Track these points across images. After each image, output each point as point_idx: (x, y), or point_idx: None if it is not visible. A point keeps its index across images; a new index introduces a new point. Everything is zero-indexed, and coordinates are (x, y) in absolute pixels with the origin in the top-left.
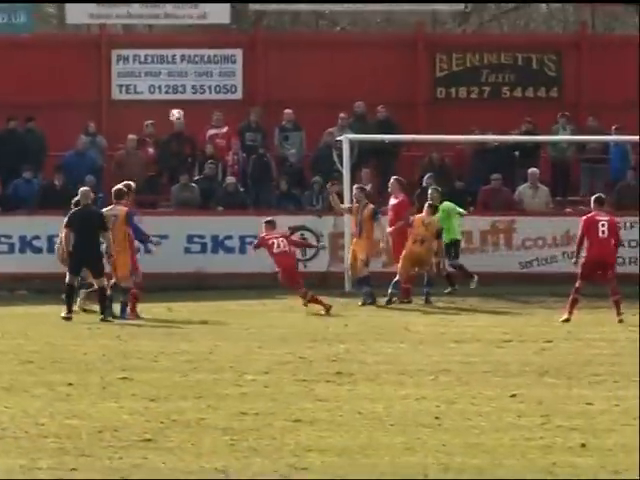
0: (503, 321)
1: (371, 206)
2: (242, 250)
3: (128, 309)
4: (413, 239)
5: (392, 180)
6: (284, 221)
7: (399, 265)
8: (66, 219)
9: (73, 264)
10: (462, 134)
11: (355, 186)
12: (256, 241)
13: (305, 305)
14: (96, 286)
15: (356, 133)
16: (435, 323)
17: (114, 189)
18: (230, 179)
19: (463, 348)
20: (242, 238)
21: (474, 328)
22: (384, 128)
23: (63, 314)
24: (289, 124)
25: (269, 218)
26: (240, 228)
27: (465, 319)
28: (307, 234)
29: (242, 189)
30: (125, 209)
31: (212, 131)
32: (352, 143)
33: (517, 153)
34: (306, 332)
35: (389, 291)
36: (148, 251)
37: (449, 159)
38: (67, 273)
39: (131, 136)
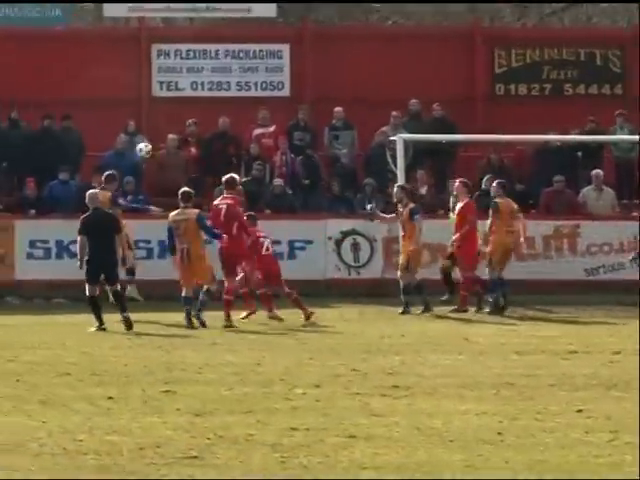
0: (568, 331)
1: (411, 205)
2: (291, 256)
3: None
4: (505, 230)
5: (457, 183)
6: (335, 225)
7: (493, 263)
8: (79, 226)
9: (91, 273)
10: (522, 133)
11: (396, 185)
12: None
13: (271, 317)
14: (112, 295)
15: (411, 132)
16: (496, 333)
17: (181, 191)
18: (278, 181)
19: (526, 360)
20: (291, 243)
21: (537, 338)
22: (440, 127)
23: (93, 329)
24: (339, 123)
25: (250, 212)
26: (288, 233)
27: (528, 329)
28: (359, 239)
29: (290, 192)
30: (195, 211)
31: (258, 130)
32: (406, 143)
33: (580, 154)
34: (359, 343)
35: (489, 299)
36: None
37: (508, 160)
38: (86, 285)
39: (172, 135)
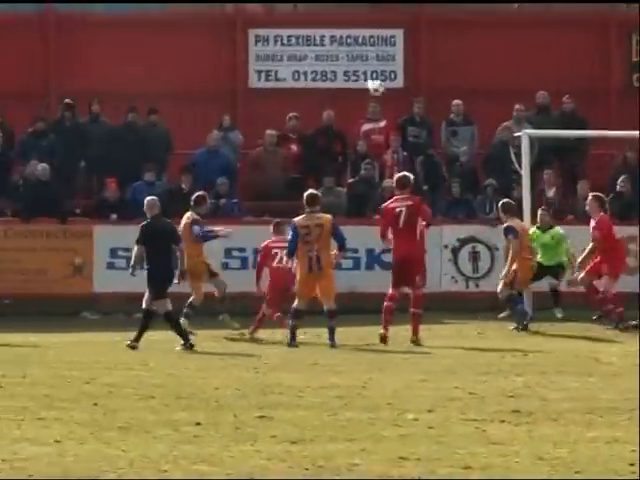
0: None
1: (507, 223)
2: (370, 264)
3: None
4: (526, 252)
5: (589, 198)
6: (451, 232)
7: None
8: (139, 234)
9: (158, 286)
10: None
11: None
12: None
13: (251, 334)
14: (160, 311)
15: (537, 128)
16: (630, 353)
17: (307, 194)
18: (388, 182)
19: None
20: (370, 251)
21: None
22: (570, 122)
23: (129, 342)
24: (458, 117)
25: (278, 220)
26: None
27: None
28: (479, 247)
29: None
30: (329, 217)
31: (367, 125)
32: (532, 140)
33: None
34: (477, 363)
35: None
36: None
37: None
38: (146, 297)
39: (270, 131)
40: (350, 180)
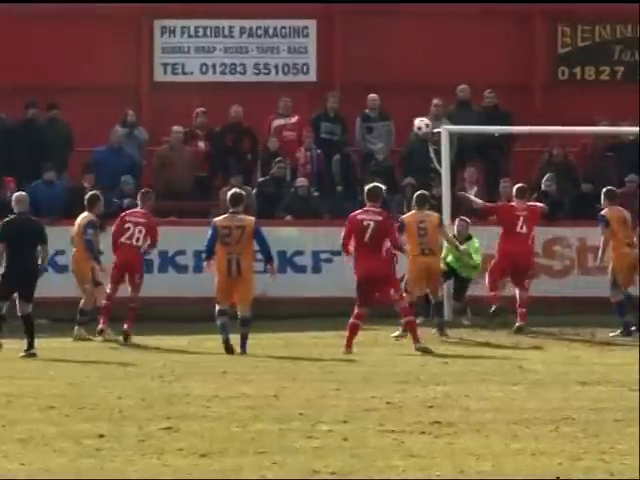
0: (634, 358)
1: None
2: (315, 269)
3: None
4: (623, 243)
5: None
6: None
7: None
8: None
9: (4, 286)
10: (589, 125)
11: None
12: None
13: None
14: (20, 313)
15: (458, 123)
16: (556, 361)
17: (231, 193)
18: (301, 181)
19: (591, 391)
20: (315, 254)
21: (605, 367)
22: (492, 118)
23: (24, 353)
24: (373, 113)
25: (146, 189)
26: (313, 242)
27: (593, 355)
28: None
29: (316, 193)
30: (253, 219)
31: (278, 121)
32: (452, 136)
33: None
34: (395, 371)
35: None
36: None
37: (573, 156)
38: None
39: (177, 128)
40: (260, 179)
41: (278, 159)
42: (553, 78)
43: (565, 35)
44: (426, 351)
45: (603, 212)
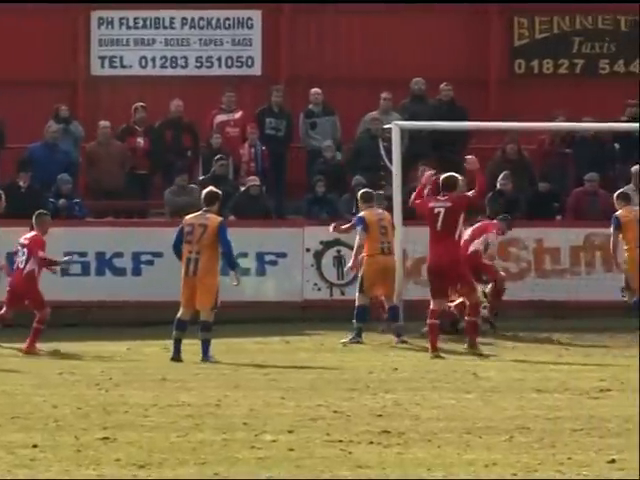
0: (598, 364)
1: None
2: (260, 271)
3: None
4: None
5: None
6: (314, 234)
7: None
8: None
9: None
10: (547, 120)
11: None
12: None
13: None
14: None
15: (412, 118)
16: (511, 367)
17: (206, 192)
18: (253, 180)
19: (547, 399)
20: (261, 256)
21: (561, 373)
22: (447, 112)
23: None
24: (317, 107)
25: (40, 210)
26: (259, 244)
27: (550, 362)
28: (344, 251)
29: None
30: (219, 218)
31: (221, 117)
32: (404, 132)
33: (617, 146)
34: (343, 378)
35: None
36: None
37: (529, 153)
38: None
39: (104, 122)
40: (201, 178)
41: (219, 156)
42: (509, 72)
43: (522, 27)
44: (477, 353)
45: (617, 214)
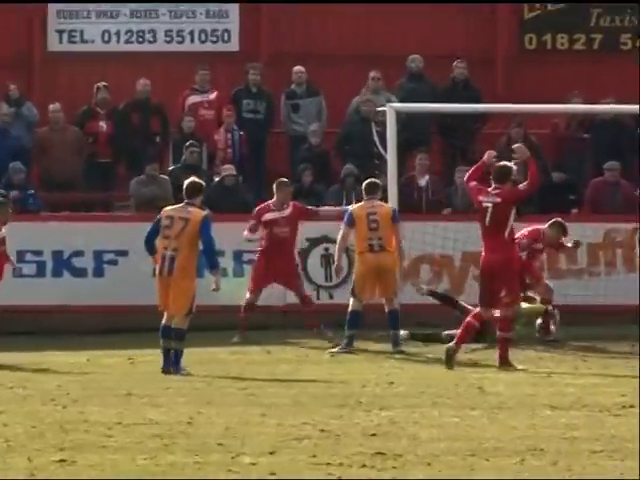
0: (620, 378)
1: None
2: (237, 272)
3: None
4: None
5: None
6: (301, 228)
7: None
8: None
9: None
10: (561, 102)
11: None
12: None
13: None
14: None
15: (410, 99)
16: (521, 381)
17: (188, 182)
18: (228, 168)
19: (562, 417)
20: (238, 255)
21: (578, 388)
22: (452, 94)
23: None
24: (300, 88)
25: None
26: (236, 241)
27: (565, 375)
28: (333, 249)
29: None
30: (202, 212)
31: (194, 98)
32: (400, 116)
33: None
34: (331, 393)
35: None
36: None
37: (541, 138)
38: None
39: (54, 106)
40: (171, 167)
41: (191, 142)
42: (519, 48)
43: None
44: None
45: None
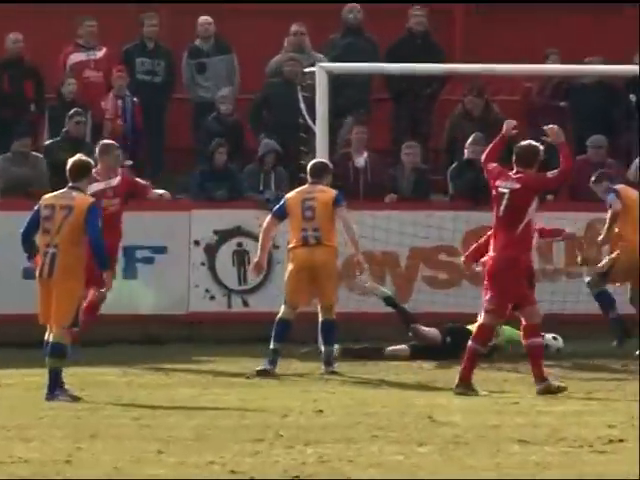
0: (606, 403)
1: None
2: (129, 273)
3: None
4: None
5: None
6: (205, 220)
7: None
8: None
9: None
10: (535, 62)
11: None
12: None
13: None
14: None
15: (349, 58)
16: (483, 409)
17: (73, 161)
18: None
19: (532, 454)
20: (130, 252)
21: (553, 417)
22: (421, 49)
23: None
24: (206, 43)
25: None
26: (127, 234)
27: (538, 401)
28: (248, 244)
29: (129, 162)
30: (89, 198)
31: (78, 56)
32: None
33: (634, 97)
34: (244, 424)
35: None
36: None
37: (511, 107)
38: None
39: None
40: (48, 141)
41: (74, 110)
42: None
43: None
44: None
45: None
